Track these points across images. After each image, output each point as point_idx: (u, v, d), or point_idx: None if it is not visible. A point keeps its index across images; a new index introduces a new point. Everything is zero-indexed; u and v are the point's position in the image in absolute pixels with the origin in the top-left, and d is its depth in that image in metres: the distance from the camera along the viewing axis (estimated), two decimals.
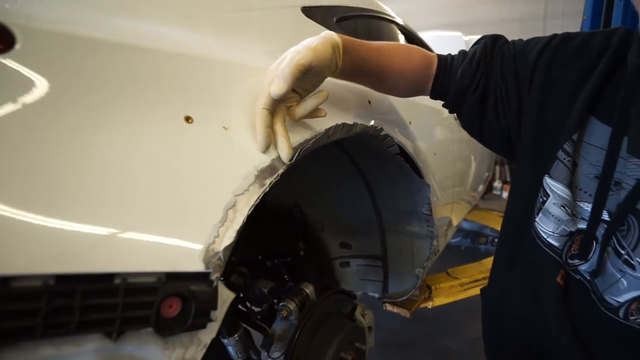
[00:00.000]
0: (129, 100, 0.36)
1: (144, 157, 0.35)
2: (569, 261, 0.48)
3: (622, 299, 0.42)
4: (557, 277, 0.48)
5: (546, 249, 0.50)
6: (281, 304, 0.82)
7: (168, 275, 0.33)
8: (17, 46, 0.29)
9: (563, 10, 5.17)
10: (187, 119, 0.40)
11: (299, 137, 0.50)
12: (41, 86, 0.30)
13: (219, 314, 0.37)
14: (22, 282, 0.27)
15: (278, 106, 0.45)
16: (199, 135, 0.40)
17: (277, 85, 0.42)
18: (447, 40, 3.10)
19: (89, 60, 0.34)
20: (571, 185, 0.48)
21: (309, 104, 0.48)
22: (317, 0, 0.83)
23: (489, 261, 1.64)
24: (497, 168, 4.22)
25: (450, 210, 1.50)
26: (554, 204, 0.49)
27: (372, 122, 0.70)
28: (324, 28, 0.80)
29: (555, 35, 0.56)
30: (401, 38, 1.42)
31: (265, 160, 0.44)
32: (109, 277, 0.30)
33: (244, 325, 0.92)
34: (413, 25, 1.72)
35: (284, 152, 0.44)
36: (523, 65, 0.56)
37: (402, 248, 1.16)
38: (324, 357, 0.74)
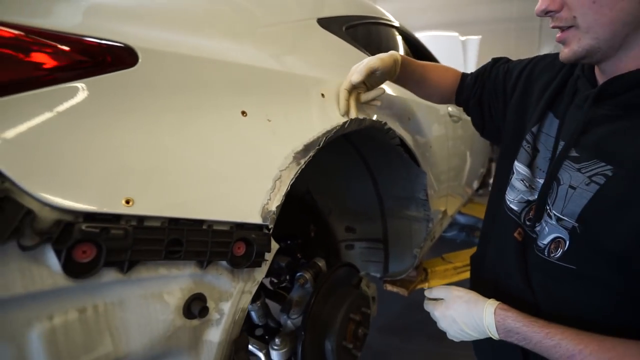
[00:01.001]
0: (209, 100, 0.49)
1: (223, 141, 0.48)
2: (527, 223, 0.62)
3: (546, 241, 0.57)
4: (514, 233, 0.63)
5: (509, 212, 0.66)
6: (298, 274, 0.95)
7: (237, 225, 0.46)
8: (140, 61, 0.42)
9: None
10: (243, 113, 0.53)
11: (322, 127, 0.63)
12: (156, 91, 0.43)
13: (270, 257, 0.51)
14: (151, 221, 0.40)
15: (353, 90, 0.72)
16: (252, 125, 0.53)
17: (355, 76, 0.69)
18: (444, 41, 3.20)
19: (181, 70, 0.47)
20: (532, 166, 0.63)
21: (371, 93, 0.75)
22: (328, 12, 0.96)
23: None
24: (493, 165, 4.37)
25: (445, 201, 1.63)
26: (516, 178, 0.65)
27: (375, 117, 0.83)
28: (335, 36, 0.93)
29: (535, 57, 0.76)
30: (399, 39, 1.54)
31: (299, 145, 0.57)
32: (200, 222, 0.43)
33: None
34: (410, 25, 1.83)
35: (353, 114, 0.69)
36: (509, 80, 0.76)
37: (401, 231, 1.29)
38: (336, 317, 0.87)
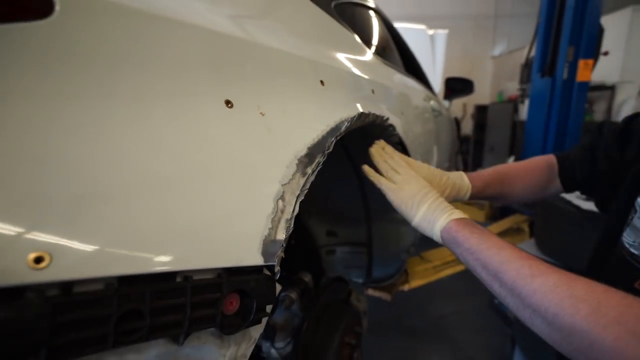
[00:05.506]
0: (173, 81, 0.32)
1: (198, 145, 0.32)
2: None
3: None
4: (635, 283, 0.48)
5: (628, 258, 0.51)
6: (282, 293, 0.81)
7: (228, 271, 0.31)
8: (56, 10, 0.24)
9: (511, 11, 5.65)
10: (227, 103, 0.37)
11: (326, 124, 0.49)
12: (82, 61, 0.26)
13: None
14: (85, 286, 0.23)
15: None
16: (241, 121, 0.38)
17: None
18: (412, 34, 3.17)
19: (128, 29, 0.30)
20: None
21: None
22: None
23: None
24: (459, 158, 4.51)
25: None
26: (638, 218, 0.51)
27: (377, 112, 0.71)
28: (324, 12, 0.78)
29: None
30: (382, 27, 1.43)
31: (302, 148, 0.43)
32: (171, 276, 0.28)
33: None
34: None
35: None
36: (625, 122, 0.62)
37: (387, 234, 1.20)
38: (330, 344, 0.75)
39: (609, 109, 3.60)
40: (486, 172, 0.69)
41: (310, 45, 0.61)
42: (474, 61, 5.94)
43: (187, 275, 0.28)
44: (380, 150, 0.63)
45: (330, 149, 0.45)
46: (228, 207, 0.33)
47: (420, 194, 0.53)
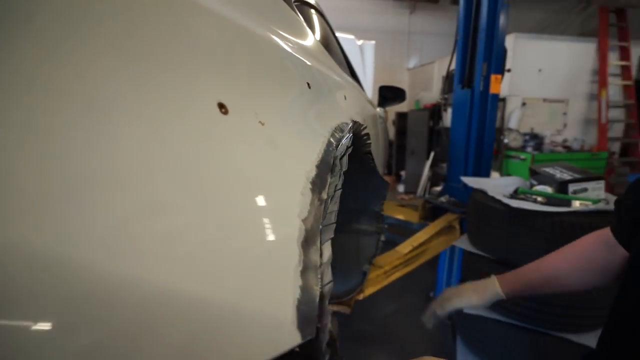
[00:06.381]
0: (144, 73, 0.20)
1: (185, 170, 0.20)
2: None
3: None
4: None
5: None
6: None
7: None
8: None
9: (422, 29, 6.33)
10: (221, 107, 0.26)
11: (322, 135, 0.41)
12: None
13: None
14: None
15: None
16: (240, 134, 0.27)
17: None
18: (343, 42, 3.26)
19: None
20: None
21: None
22: None
23: (402, 247, 1.82)
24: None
25: None
26: None
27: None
28: (289, 7, 0.69)
29: None
30: (328, 28, 1.39)
31: (311, 167, 0.33)
32: None
33: None
34: None
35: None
36: None
37: (347, 247, 1.16)
38: None
39: (502, 117, 4.28)
40: (522, 279, 0.69)
41: (285, 40, 0.51)
42: (392, 72, 6.45)
43: None
44: None
45: (345, 168, 0.36)
46: (239, 268, 0.22)
47: None
